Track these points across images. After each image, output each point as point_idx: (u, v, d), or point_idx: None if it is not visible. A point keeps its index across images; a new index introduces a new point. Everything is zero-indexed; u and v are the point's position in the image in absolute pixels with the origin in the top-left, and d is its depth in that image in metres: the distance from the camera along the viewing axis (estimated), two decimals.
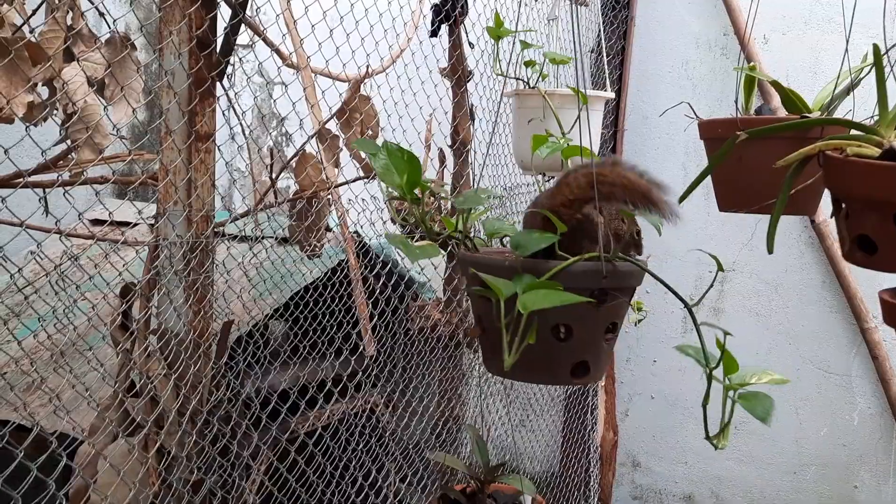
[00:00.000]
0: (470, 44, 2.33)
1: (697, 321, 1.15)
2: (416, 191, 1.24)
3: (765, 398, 1.05)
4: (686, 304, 1.20)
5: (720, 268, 1.31)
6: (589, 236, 1.18)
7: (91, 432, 1.43)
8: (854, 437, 3.28)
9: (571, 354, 1.16)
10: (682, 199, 1.43)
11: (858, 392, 3.26)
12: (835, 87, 1.77)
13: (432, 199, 2.22)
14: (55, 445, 1.23)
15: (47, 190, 1.37)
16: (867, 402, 3.25)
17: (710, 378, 1.10)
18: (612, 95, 2.38)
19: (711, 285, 1.55)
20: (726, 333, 1.11)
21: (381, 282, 2.24)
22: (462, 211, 1.33)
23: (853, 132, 1.25)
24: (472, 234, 1.32)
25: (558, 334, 1.15)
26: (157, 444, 1.45)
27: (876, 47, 1.15)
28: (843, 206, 1.12)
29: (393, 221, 2.30)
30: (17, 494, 1.17)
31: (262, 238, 2.02)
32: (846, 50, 1.73)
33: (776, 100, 3.12)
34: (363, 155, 2.01)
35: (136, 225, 2.40)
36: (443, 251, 1.38)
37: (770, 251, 1.24)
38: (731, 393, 1.09)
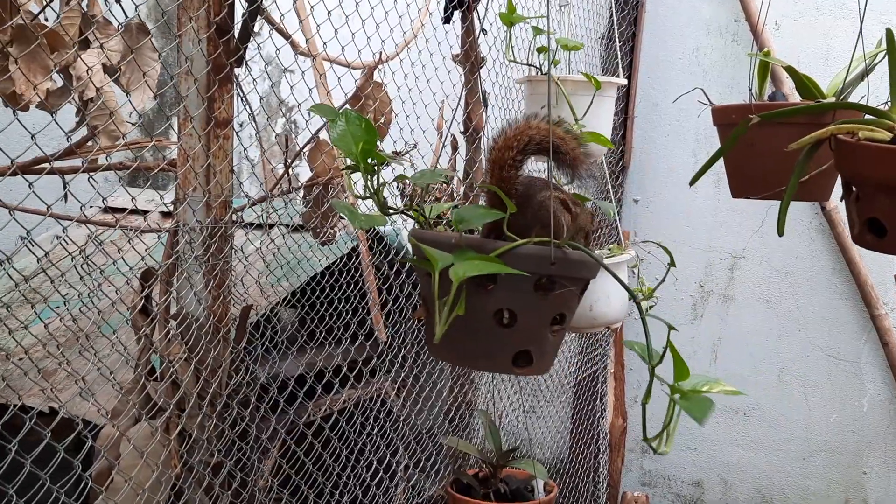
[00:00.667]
0: (483, 30, 2.33)
1: (644, 313, 1.11)
2: (371, 161, 1.19)
3: (704, 400, 1.02)
4: (633, 296, 1.17)
5: (673, 263, 1.28)
6: (542, 221, 1.14)
7: (114, 415, 1.45)
8: (863, 423, 3.29)
9: (514, 342, 1.12)
10: (693, 181, 1.44)
11: (868, 379, 3.27)
12: (847, 74, 1.77)
13: (446, 185, 2.23)
14: (80, 427, 1.25)
15: (68, 176, 1.39)
16: (877, 388, 3.26)
17: (651, 375, 1.05)
18: (624, 82, 2.38)
19: (663, 280, 1.52)
20: (670, 327, 1.07)
21: (394, 269, 2.25)
22: (417, 187, 1.31)
23: (866, 117, 1.26)
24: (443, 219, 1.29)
25: (501, 319, 1.10)
26: (179, 427, 1.47)
27: (889, 32, 1.16)
28: (854, 189, 1.13)
29: (407, 207, 2.31)
30: (45, 475, 1.19)
31: (278, 224, 2.03)
32: (860, 34, 1.73)
33: (787, 86, 3.12)
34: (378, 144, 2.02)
35: (148, 212, 2.42)
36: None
37: (780, 234, 1.24)
38: (676, 396, 1.05)
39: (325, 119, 1.98)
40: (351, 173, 1.30)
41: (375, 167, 1.19)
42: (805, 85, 1.79)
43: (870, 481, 3.29)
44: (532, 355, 1.14)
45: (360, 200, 1.30)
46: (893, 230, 1.07)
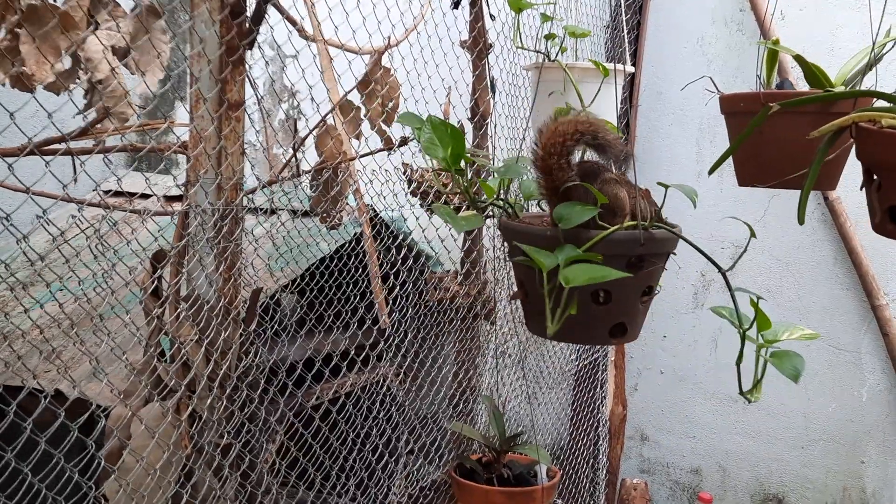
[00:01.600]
0: (491, 16, 2.32)
1: (731, 286, 1.20)
2: (461, 163, 1.28)
3: (795, 357, 1.11)
4: (720, 270, 1.25)
5: (753, 234, 1.37)
6: (621, 213, 1.24)
7: (125, 395, 1.45)
8: (862, 413, 3.31)
9: (610, 317, 1.23)
10: (711, 170, 1.45)
11: (868, 369, 3.29)
12: (864, 61, 1.77)
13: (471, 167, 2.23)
14: (94, 407, 1.25)
15: (82, 157, 1.39)
16: (876, 378, 3.28)
17: (743, 337, 1.17)
18: (631, 69, 2.39)
19: (745, 251, 1.61)
20: (759, 297, 1.17)
21: (402, 254, 2.26)
22: (503, 180, 1.36)
23: (880, 104, 1.26)
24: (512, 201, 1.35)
25: (597, 299, 1.20)
26: (189, 409, 1.48)
27: None
28: (876, 177, 1.13)
29: (413, 194, 2.31)
30: (58, 454, 1.20)
31: (286, 209, 2.04)
32: (881, 20, 1.73)
33: (791, 75, 3.12)
34: (384, 127, 2.02)
35: (150, 197, 2.42)
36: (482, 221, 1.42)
37: (801, 222, 1.26)
38: (763, 351, 1.15)
39: (332, 103, 1.98)
40: (437, 175, 1.41)
41: (465, 169, 1.26)
42: (814, 74, 1.79)
43: (868, 470, 3.32)
44: (626, 326, 1.25)
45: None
46: None
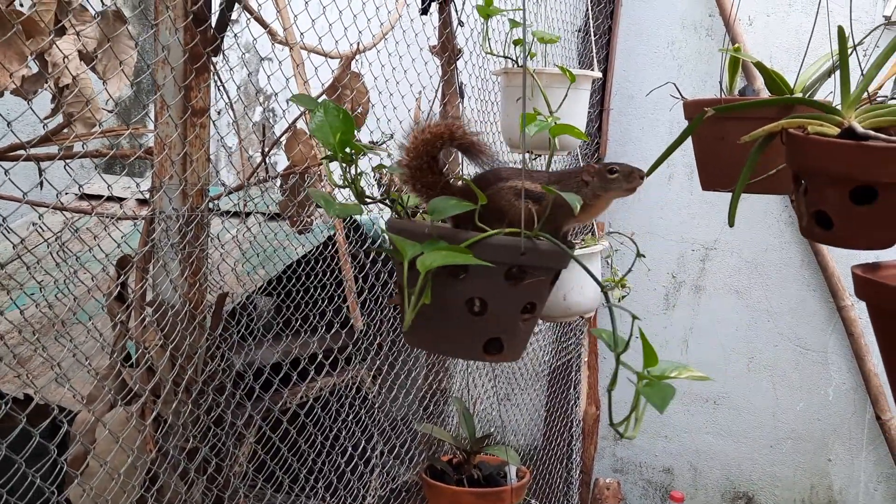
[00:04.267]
0: (460, 22, 2.35)
1: (611, 302, 1.12)
2: (349, 151, 1.22)
3: (666, 388, 1.05)
4: (599, 284, 1.20)
5: (638, 252, 1.35)
6: (508, 212, 1.18)
7: (89, 401, 1.46)
8: (829, 411, 3.37)
9: (484, 330, 1.15)
10: (648, 172, 1.47)
11: (834, 368, 3.35)
12: (824, 68, 1.81)
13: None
14: (56, 413, 1.26)
15: (44, 164, 1.39)
16: (842, 377, 3.34)
17: (617, 362, 1.07)
18: (599, 75, 2.41)
19: (630, 269, 1.55)
20: (634, 317, 1.09)
21: (370, 257, 2.27)
22: (393, 177, 1.33)
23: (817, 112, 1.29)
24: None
25: (472, 307, 1.13)
26: (154, 413, 1.49)
27: (840, 30, 1.19)
28: (803, 182, 1.16)
29: (384, 196, 2.32)
30: (20, 459, 1.20)
31: (255, 213, 2.05)
32: (860, 28, 1.77)
33: (759, 81, 3.16)
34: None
35: (124, 200, 2.42)
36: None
37: (731, 224, 1.28)
38: (642, 382, 1.08)
39: (302, 109, 1.99)
40: (329, 163, 1.31)
41: (353, 157, 1.21)
42: (774, 80, 1.83)
43: (834, 468, 3.38)
44: (503, 343, 1.17)
45: (338, 189, 1.32)
46: (839, 223, 1.10)
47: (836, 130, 1.13)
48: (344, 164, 1.22)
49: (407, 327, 1.09)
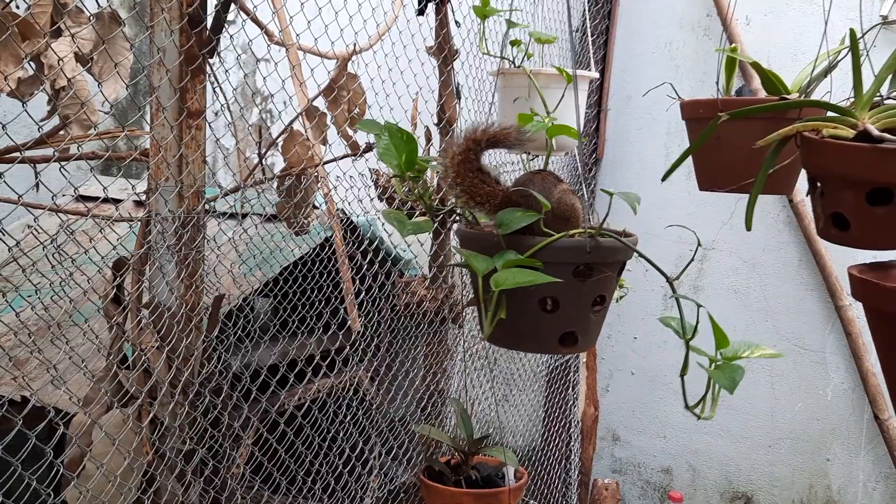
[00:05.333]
0: (456, 22, 2.34)
1: (677, 294, 1.21)
2: (416, 168, 1.29)
3: (735, 369, 1.11)
4: (667, 278, 1.25)
5: (699, 243, 1.37)
6: (561, 214, 1.25)
7: (85, 403, 1.46)
8: (827, 411, 3.37)
9: (559, 325, 1.22)
10: (664, 177, 1.48)
11: (832, 368, 3.35)
12: (813, 67, 1.81)
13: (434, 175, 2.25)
14: (52, 415, 1.26)
15: (39, 166, 1.39)
16: (840, 377, 3.34)
17: (687, 348, 1.16)
18: (596, 75, 2.41)
19: (692, 260, 1.61)
20: (699, 306, 1.17)
21: (367, 258, 2.27)
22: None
23: (829, 114, 1.30)
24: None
25: (545, 307, 1.20)
26: (151, 415, 1.49)
27: (852, 32, 1.19)
28: (819, 185, 1.17)
29: (380, 199, 2.33)
30: (16, 462, 1.20)
31: (251, 214, 2.04)
32: (829, 31, 1.77)
33: (757, 80, 3.17)
34: (350, 133, 2.04)
35: (121, 202, 2.41)
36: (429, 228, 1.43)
37: (748, 228, 1.29)
38: (712, 364, 1.14)
39: (297, 109, 1.99)
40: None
41: (419, 175, 1.27)
42: (770, 80, 1.83)
43: (833, 468, 3.38)
44: (577, 335, 1.25)
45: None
46: (856, 224, 1.11)
47: (850, 133, 1.13)
48: (412, 182, 1.28)
49: (487, 336, 1.19)
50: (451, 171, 1.24)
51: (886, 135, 1.06)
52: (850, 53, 1.31)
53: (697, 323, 1.18)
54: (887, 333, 1.01)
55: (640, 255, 1.27)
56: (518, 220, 1.19)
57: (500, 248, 1.20)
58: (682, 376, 1.18)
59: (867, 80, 1.25)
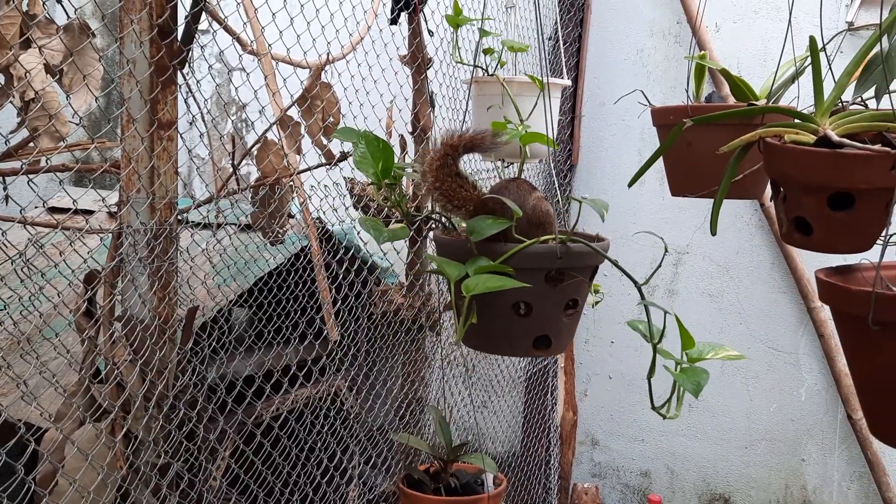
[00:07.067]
0: (429, 31, 2.35)
1: (645, 298, 1.22)
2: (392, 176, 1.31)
3: (700, 372, 1.12)
4: (636, 283, 1.26)
5: (666, 250, 1.39)
6: (535, 221, 1.27)
7: (58, 418, 1.44)
8: (802, 412, 3.41)
9: (532, 329, 1.25)
10: (631, 183, 1.49)
11: (806, 369, 3.40)
12: (774, 76, 1.84)
13: (410, 183, 2.25)
14: (23, 431, 1.24)
15: (8, 178, 1.38)
16: (814, 378, 3.38)
17: (654, 351, 1.17)
18: (569, 83, 2.43)
19: (660, 266, 1.62)
20: (665, 312, 1.18)
21: (343, 267, 2.27)
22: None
23: (796, 121, 1.32)
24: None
25: (518, 311, 1.23)
26: (125, 429, 1.47)
27: (812, 40, 1.22)
28: (782, 190, 1.19)
29: (355, 207, 2.33)
30: None
31: (225, 225, 2.03)
32: (817, 37, 1.80)
33: (727, 87, 3.21)
34: (324, 141, 2.04)
35: (94, 213, 2.39)
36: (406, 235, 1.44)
37: (713, 233, 1.30)
38: (677, 367, 1.15)
39: (271, 119, 1.99)
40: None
41: (396, 182, 1.29)
42: (739, 87, 1.86)
43: (808, 468, 3.42)
44: (550, 338, 1.27)
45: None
46: (818, 228, 1.13)
47: (811, 138, 1.15)
48: (388, 190, 1.29)
49: (458, 341, 1.23)
50: (430, 176, 1.28)
51: (846, 140, 1.09)
52: (811, 62, 1.34)
53: (664, 328, 1.19)
54: (854, 335, 1.03)
55: (611, 260, 1.28)
56: (489, 228, 1.21)
57: (468, 254, 1.22)
58: (648, 378, 1.20)
59: (832, 87, 1.28)
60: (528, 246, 1.21)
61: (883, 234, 1.05)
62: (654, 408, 1.17)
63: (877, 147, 1.07)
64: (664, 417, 1.16)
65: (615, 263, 1.28)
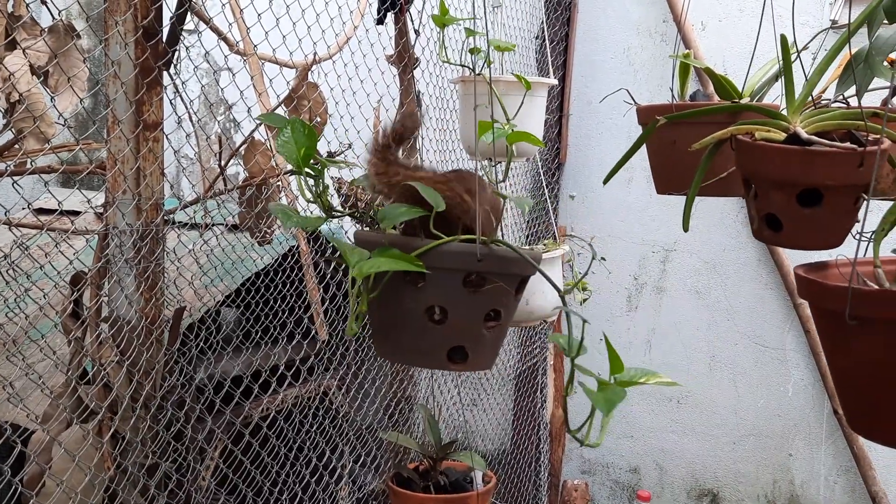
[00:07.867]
0: (416, 31, 2.36)
1: (568, 307, 1.10)
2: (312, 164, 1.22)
3: (616, 391, 1.04)
4: (559, 291, 1.18)
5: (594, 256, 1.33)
6: (466, 220, 1.15)
7: (44, 419, 1.44)
8: (789, 407, 3.44)
9: (447, 338, 1.13)
10: (606, 179, 1.50)
11: (792, 364, 3.42)
12: (747, 74, 1.86)
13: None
14: (10, 433, 1.24)
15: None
16: (800, 374, 3.41)
17: (573, 367, 1.05)
18: (556, 82, 2.44)
19: (588, 270, 1.56)
20: (584, 322, 1.07)
21: (332, 266, 2.27)
22: (354, 188, 1.34)
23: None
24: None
25: (433, 316, 1.12)
26: (112, 430, 1.47)
27: (783, 38, 1.23)
28: (752, 186, 1.20)
29: (343, 206, 2.33)
30: None
31: (213, 225, 2.04)
32: (798, 35, 1.81)
33: (712, 86, 3.23)
34: None
35: (81, 214, 2.39)
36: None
37: (685, 229, 1.31)
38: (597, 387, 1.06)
39: (259, 122, 1.99)
40: (297, 177, 1.30)
41: (318, 171, 1.21)
42: (722, 86, 1.87)
43: (795, 462, 3.44)
44: (467, 351, 1.15)
45: (307, 203, 1.32)
46: (788, 225, 1.14)
47: (782, 136, 1.16)
48: (308, 178, 1.21)
49: (351, 334, 1.09)
50: (379, 185, 1.17)
51: (815, 137, 1.10)
52: (797, 58, 1.35)
53: (582, 339, 1.09)
54: (831, 330, 1.04)
55: (540, 271, 1.15)
56: (401, 215, 1.11)
57: (380, 248, 1.09)
58: (564, 396, 1.10)
59: (804, 85, 1.29)
60: (447, 243, 1.09)
61: (858, 229, 1.06)
62: (569, 431, 1.07)
63: (845, 144, 1.09)
64: (581, 444, 1.05)
65: (543, 274, 1.15)
